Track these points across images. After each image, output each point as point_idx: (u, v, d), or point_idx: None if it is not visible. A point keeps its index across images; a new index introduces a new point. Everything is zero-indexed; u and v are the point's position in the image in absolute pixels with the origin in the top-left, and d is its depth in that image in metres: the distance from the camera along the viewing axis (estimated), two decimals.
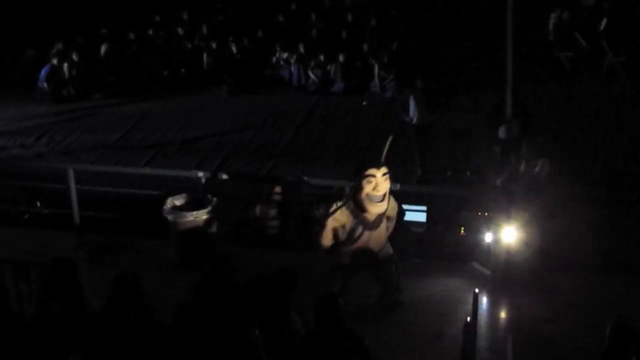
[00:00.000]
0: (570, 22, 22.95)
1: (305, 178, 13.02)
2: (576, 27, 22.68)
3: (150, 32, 24.55)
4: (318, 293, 7.68)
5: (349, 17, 24.29)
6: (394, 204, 9.97)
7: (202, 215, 11.47)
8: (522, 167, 13.09)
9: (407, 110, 16.53)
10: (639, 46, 21.85)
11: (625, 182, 15.75)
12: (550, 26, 23.54)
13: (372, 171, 9.26)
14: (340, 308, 7.56)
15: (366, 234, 9.65)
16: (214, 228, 11.66)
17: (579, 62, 22.19)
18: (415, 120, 16.39)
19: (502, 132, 15.27)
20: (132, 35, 24.17)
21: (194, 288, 8.29)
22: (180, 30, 24.86)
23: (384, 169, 9.36)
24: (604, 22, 22.31)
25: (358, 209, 9.43)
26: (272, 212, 13.74)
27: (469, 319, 8.15)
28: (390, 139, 10.10)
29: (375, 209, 9.40)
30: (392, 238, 10.16)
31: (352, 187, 9.48)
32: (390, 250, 10.09)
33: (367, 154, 17.71)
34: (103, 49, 23.33)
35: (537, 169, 12.93)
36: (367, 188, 9.23)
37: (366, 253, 9.78)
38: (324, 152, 18.05)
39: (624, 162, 16.73)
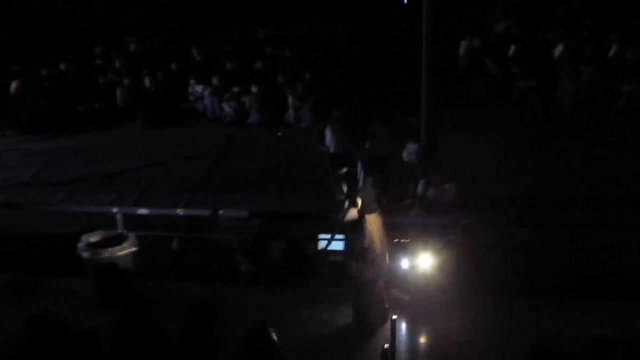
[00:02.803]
0: (481, 48, 23.33)
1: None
2: (486, 53, 23.05)
3: (63, 67, 24.28)
4: (249, 326, 7.67)
5: (265, 49, 24.33)
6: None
7: (117, 251, 11.37)
8: (431, 193, 13.24)
9: (323, 140, 16.62)
10: (548, 71, 22.29)
11: (537, 204, 16.01)
12: (461, 53, 23.89)
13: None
14: (272, 342, 7.55)
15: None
16: (130, 264, 11.57)
17: (489, 87, 22.53)
18: (332, 149, 16.48)
19: (405, 154, 15.60)
20: (44, 71, 23.87)
21: (113, 325, 8.23)
22: (99, 61, 24.62)
23: None
24: (513, 48, 22.72)
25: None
26: (191, 244, 13.70)
27: (386, 345, 8.22)
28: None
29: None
30: None
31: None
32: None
33: (285, 184, 17.78)
34: (14, 85, 22.97)
35: (444, 194, 13.12)
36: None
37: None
38: (241, 184, 18.00)
39: (536, 184, 17.01)
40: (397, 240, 12.38)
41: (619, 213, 15.43)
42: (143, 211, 13.38)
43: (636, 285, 12.51)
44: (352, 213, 10.18)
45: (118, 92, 23.04)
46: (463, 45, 23.81)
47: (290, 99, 21.85)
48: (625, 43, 21.82)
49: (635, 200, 15.96)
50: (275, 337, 7.55)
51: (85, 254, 11.46)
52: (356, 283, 10.54)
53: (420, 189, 13.57)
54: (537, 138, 19.49)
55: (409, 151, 15.63)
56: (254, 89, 22.16)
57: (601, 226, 14.47)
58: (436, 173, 13.35)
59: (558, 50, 22.13)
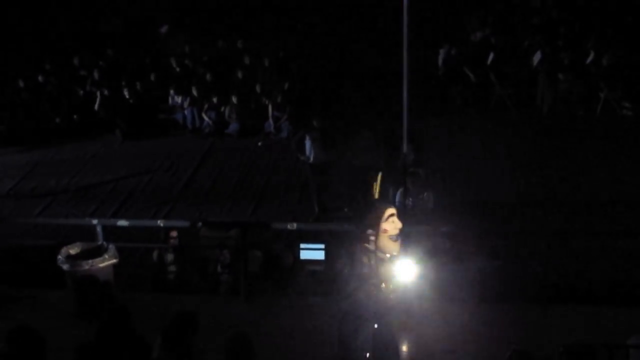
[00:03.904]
0: (459, 57, 23.43)
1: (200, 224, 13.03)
2: (465, 61, 23.15)
3: (41, 79, 24.19)
4: (228, 334, 7.65)
5: (244, 59, 24.32)
6: None
7: (98, 263, 11.31)
8: (410, 202, 13.25)
9: (302, 149, 16.63)
10: (525, 78, 22.41)
11: (516, 211, 16.06)
12: (440, 61, 23.98)
13: (391, 210, 8.90)
14: (251, 349, 7.53)
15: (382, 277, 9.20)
16: (111, 276, 11.51)
17: (468, 95, 22.62)
18: (311, 159, 16.49)
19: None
20: (21, 83, 23.77)
21: (93, 337, 8.20)
22: (81, 72, 24.51)
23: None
24: (491, 56, 22.83)
25: (381, 252, 8.98)
26: (170, 257, 13.66)
27: (368, 354, 8.20)
28: (379, 175, 9.97)
29: (397, 247, 9.01)
30: None
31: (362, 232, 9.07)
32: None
33: (264, 194, 17.79)
34: None
35: (422, 202, 13.15)
36: (391, 228, 8.84)
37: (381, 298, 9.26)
38: (220, 194, 18.01)
39: (517, 193, 17.07)
40: None
41: (597, 219, 15.52)
42: (123, 223, 13.32)
43: (616, 291, 12.56)
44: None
45: (97, 104, 22.96)
46: (441, 54, 23.90)
47: (269, 109, 21.88)
48: (602, 50, 21.95)
49: (612, 206, 16.07)
50: (254, 346, 7.54)
51: (65, 266, 11.38)
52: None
53: (398, 197, 13.55)
54: (516, 145, 19.57)
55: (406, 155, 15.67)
56: (233, 100, 22.17)
57: (580, 233, 14.51)
58: (414, 181, 13.35)
59: (536, 58, 22.26)
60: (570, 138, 19.79)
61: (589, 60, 22.05)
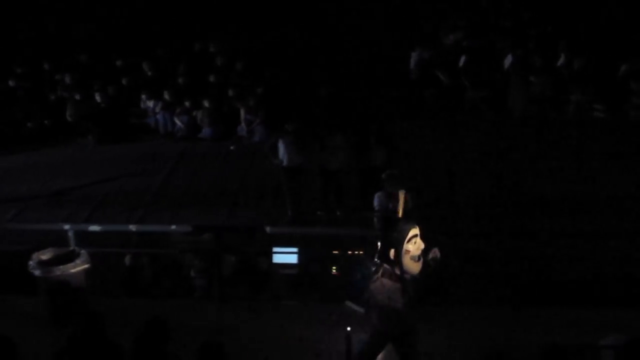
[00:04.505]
0: (431, 60, 23.48)
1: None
2: (437, 64, 23.21)
3: (12, 83, 24.02)
4: (202, 340, 7.64)
5: (217, 62, 24.27)
6: None
7: (69, 269, 11.24)
8: (390, 204, 13.24)
9: (276, 153, 16.62)
10: (498, 81, 22.47)
11: (489, 213, 16.10)
12: (412, 64, 24.02)
13: (414, 231, 8.52)
14: (223, 354, 7.53)
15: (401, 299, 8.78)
16: (83, 281, 11.45)
17: (441, 98, 22.66)
18: (285, 162, 16.49)
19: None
20: None
21: (66, 344, 8.16)
22: (55, 76, 24.34)
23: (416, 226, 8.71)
24: (463, 59, 22.89)
25: (403, 273, 8.57)
26: (144, 260, 13.62)
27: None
28: (404, 193, 9.82)
29: (418, 268, 8.59)
30: None
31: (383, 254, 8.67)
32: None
33: (238, 198, 17.75)
34: None
35: (398, 204, 13.15)
36: (414, 249, 8.48)
37: (401, 319, 8.93)
38: (193, 199, 17.95)
39: (491, 194, 17.10)
40: (351, 252, 12.40)
41: (570, 220, 15.59)
42: (95, 228, 13.26)
43: (586, 292, 12.63)
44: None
45: (68, 108, 22.83)
46: (413, 57, 23.95)
47: (242, 113, 21.84)
48: (573, 53, 22.08)
49: (585, 207, 16.16)
50: (226, 350, 7.54)
51: (37, 272, 11.30)
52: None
53: (377, 201, 13.52)
54: (489, 147, 19.63)
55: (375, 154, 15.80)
56: (205, 104, 22.12)
57: (552, 234, 14.57)
58: (393, 183, 13.28)
59: (507, 60, 22.36)
60: (542, 140, 19.86)
61: (560, 62, 22.17)
